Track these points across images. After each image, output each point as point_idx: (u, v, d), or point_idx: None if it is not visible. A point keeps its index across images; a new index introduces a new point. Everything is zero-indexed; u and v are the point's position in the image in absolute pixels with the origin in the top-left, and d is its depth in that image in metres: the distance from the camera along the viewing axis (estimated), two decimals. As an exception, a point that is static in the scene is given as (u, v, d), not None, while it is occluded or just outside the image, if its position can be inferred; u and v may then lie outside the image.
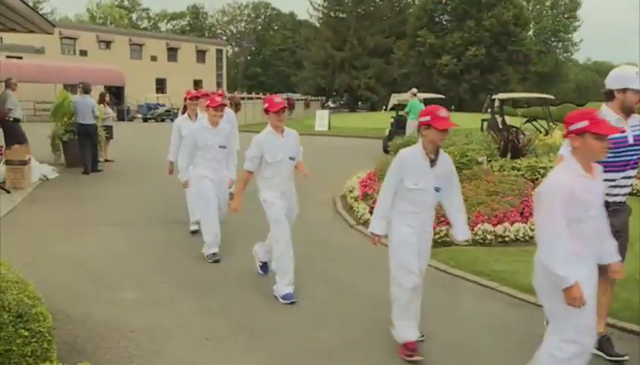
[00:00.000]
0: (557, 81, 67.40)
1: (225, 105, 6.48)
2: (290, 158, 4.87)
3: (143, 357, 3.63)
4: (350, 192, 8.98)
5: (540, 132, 14.25)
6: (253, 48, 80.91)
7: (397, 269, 3.69)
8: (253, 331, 4.10)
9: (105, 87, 32.07)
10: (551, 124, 14.98)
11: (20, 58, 35.30)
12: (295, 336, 4.06)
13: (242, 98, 33.63)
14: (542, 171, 9.49)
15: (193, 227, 6.98)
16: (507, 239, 6.61)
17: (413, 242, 3.65)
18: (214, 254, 5.84)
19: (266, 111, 4.82)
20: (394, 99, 18.78)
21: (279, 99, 4.91)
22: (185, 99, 7.34)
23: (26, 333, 2.82)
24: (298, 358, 3.74)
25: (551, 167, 9.51)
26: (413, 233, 3.66)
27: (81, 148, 11.72)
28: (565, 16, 68.26)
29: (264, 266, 5.40)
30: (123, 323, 4.14)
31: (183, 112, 7.43)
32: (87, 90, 11.81)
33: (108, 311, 4.38)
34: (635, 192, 8.76)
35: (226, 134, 6.03)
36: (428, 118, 3.55)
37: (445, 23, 60.50)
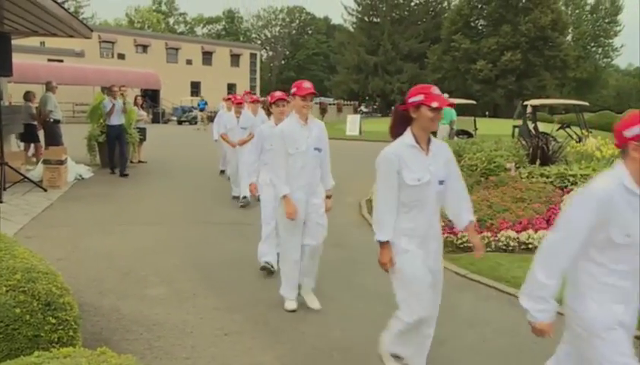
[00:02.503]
0: (596, 87, 66.01)
1: None
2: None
3: (164, 348, 3.78)
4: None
5: (573, 139, 14.04)
6: (287, 52, 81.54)
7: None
8: (272, 329, 4.22)
9: (141, 89, 32.92)
10: (584, 131, 14.74)
11: (61, 61, 36.49)
12: (313, 334, 4.16)
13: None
14: (571, 179, 9.38)
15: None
16: (530, 246, 6.57)
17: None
18: None
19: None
20: (425, 104, 18.70)
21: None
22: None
23: (54, 321, 2.99)
24: (315, 355, 3.84)
25: (581, 175, 9.46)
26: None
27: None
28: (606, 21, 66.81)
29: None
30: (147, 317, 4.32)
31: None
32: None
33: (134, 305, 4.56)
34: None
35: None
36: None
37: (480, 27, 59.99)
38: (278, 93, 5.59)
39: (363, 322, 4.39)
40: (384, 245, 3.22)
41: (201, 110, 33.48)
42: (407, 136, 3.17)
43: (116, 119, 11.76)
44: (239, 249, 6.51)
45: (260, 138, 5.53)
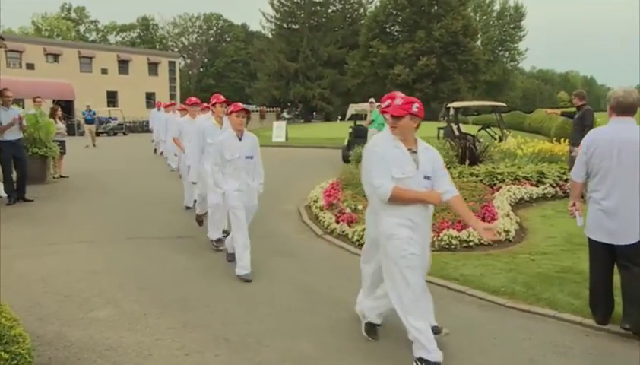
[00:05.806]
0: (505, 89, 69.69)
1: None
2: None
3: (123, 375, 3.58)
4: (315, 202, 9.05)
5: (495, 139, 14.72)
6: (206, 60, 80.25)
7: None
8: (234, 344, 4.09)
9: (54, 101, 31.25)
10: (504, 131, 15.49)
11: (-37, 72, 34.00)
12: (277, 347, 4.06)
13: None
14: (499, 176, 9.83)
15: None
16: (471, 243, 6.79)
17: None
18: None
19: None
20: (352, 109, 19.03)
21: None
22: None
23: (7, 356, 2.76)
24: (280, 369, 3.76)
25: (508, 173, 9.90)
26: None
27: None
28: (511, 26, 70.76)
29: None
30: (98, 342, 4.07)
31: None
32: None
33: (80, 330, 4.29)
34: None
35: None
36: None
37: (396, 33, 61.64)
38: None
39: (326, 331, 4.37)
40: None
41: (88, 123, 26.33)
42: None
43: (13, 133, 9.76)
44: (184, 263, 6.31)
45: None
